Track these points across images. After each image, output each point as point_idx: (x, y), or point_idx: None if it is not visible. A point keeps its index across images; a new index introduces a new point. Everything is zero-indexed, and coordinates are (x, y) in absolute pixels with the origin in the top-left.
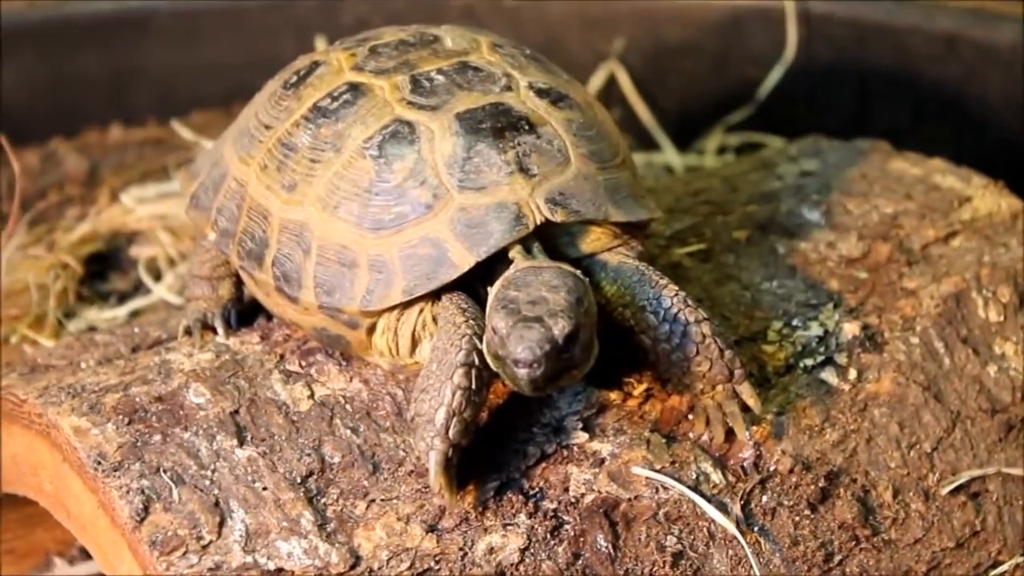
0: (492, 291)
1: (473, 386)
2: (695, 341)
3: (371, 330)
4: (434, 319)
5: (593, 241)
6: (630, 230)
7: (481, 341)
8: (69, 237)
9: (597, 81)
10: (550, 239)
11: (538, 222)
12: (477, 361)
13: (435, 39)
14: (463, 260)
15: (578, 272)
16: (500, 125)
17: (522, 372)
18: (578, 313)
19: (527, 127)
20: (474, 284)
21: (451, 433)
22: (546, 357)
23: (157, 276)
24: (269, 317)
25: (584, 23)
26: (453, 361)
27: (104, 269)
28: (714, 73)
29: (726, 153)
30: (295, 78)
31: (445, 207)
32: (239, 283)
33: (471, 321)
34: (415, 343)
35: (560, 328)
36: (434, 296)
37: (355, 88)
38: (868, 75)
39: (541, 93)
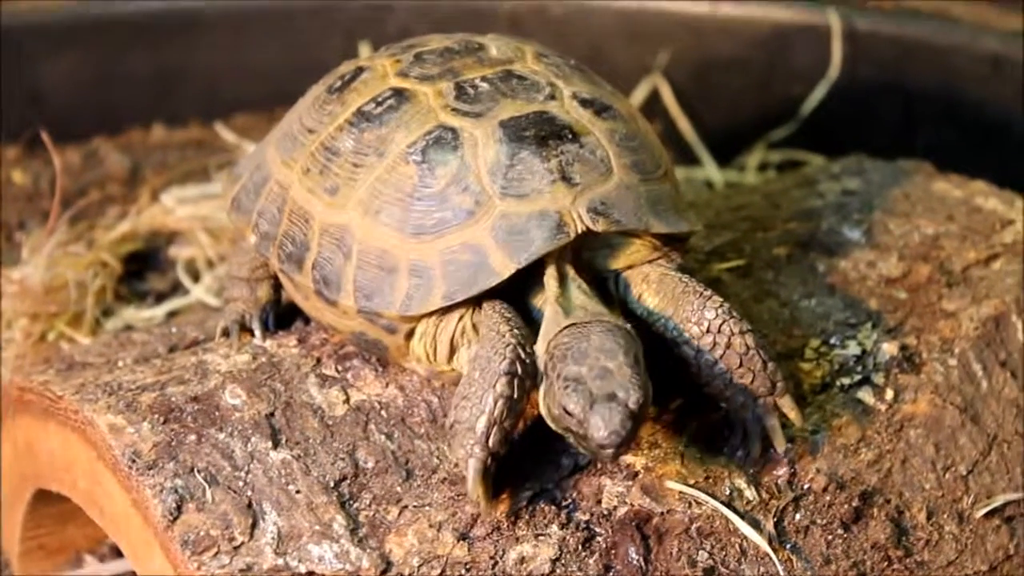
0: (541, 354)
1: (515, 395)
2: (739, 353)
3: (409, 335)
4: (474, 327)
5: (633, 253)
6: (670, 243)
7: (524, 350)
8: (109, 235)
9: (640, 94)
10: (590, 250)
11: (579, 231)
12: (520, 371)
13: (480, 47)
14: (504, 267)
15: (620, 321)
16: (544, 133)
17: (606, 453)
18: (643, 375)
19: (570, 136)
20: (512, 293)
21: (491, 442)
22: (629, 434)
23: (195, 277)
24: (307, 320)
25: (629, 36)
26: (497, 370)
27: (143, 269)
28: (757, 89)
29: (767, 170)
30: (339, 83)
31: (487, 214)
32: (277, 285)
33: (515, 331)
34: (453, 350)
35: (635, 401)
36: (474, 304)
37: (399, 94)
38: (912, 95)
39: (585, 103)
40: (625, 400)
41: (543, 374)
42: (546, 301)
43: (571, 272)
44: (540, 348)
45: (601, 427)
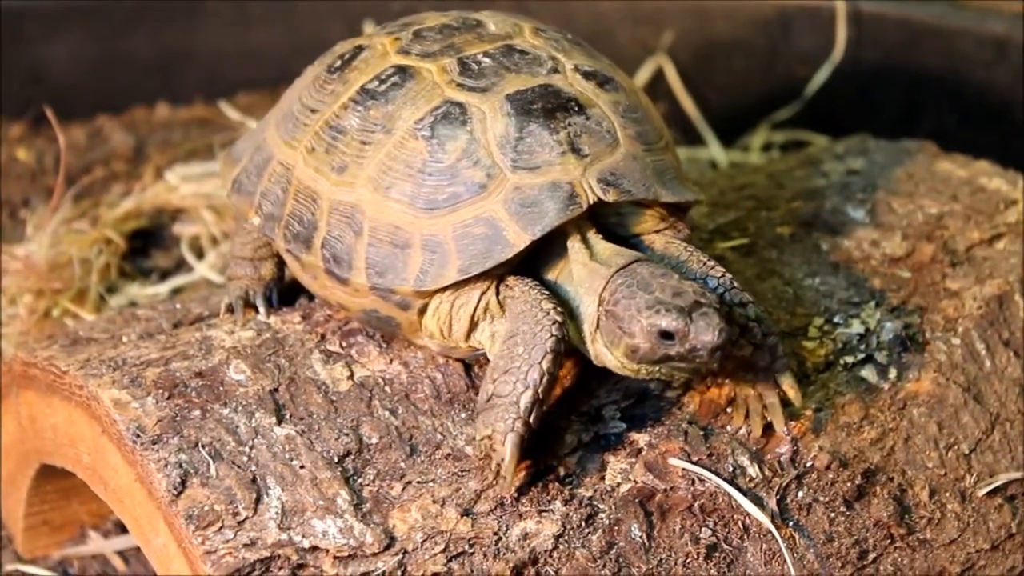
0: (592, 312)
1: (555, 372)
2: (739, 323)
3: (422, 311)
4: (499, 303)
5: (641, 223)
6: (675, 213)
7: (564, 328)
8: (113, 213)
9: (645, 74)
10: (598, 220)
11: (591, 202)
12: (562, 348)
13: (478, 23)
14: (518, 239)
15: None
16: (550, 106)
17: (716, 356)
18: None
19: (577, 108)
20: (524, 267)
21: (532, 417)
22: (729, 329)
23: (199, 255)
24: (311, 297)
25: (633, 17)
26: (544, 347)
27: (147, 246)
28: (762, 70)
29: (771, 150)
30: (339, 62)
31: (499, 187)
32: (281, 263)
33: (557, 307)
34: (472, 326)
35: (716, 301)
36: (496, 279)
37: (403, 71)
38: (917, 77)
39: (587, 75)
40: (710, 303)
41: (600, 328)
42: (562, 270)
43: (591, 231)
44: (590, 306)
45: (709, 330)
